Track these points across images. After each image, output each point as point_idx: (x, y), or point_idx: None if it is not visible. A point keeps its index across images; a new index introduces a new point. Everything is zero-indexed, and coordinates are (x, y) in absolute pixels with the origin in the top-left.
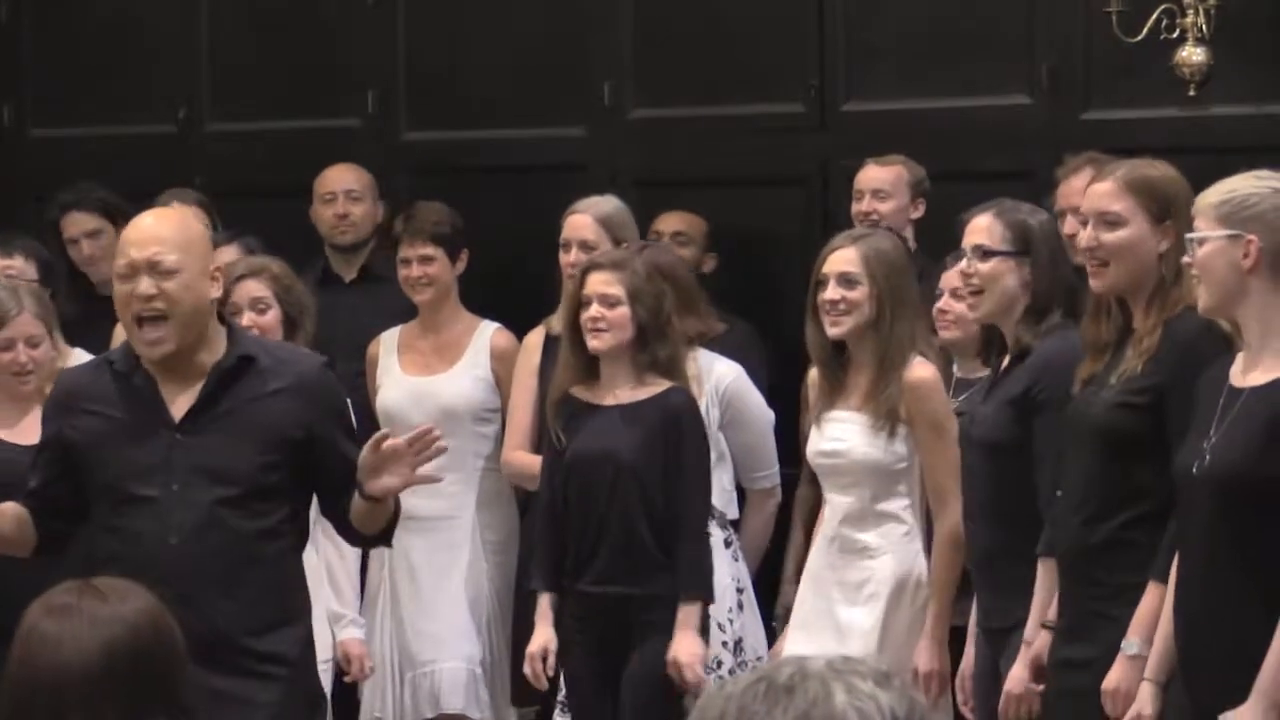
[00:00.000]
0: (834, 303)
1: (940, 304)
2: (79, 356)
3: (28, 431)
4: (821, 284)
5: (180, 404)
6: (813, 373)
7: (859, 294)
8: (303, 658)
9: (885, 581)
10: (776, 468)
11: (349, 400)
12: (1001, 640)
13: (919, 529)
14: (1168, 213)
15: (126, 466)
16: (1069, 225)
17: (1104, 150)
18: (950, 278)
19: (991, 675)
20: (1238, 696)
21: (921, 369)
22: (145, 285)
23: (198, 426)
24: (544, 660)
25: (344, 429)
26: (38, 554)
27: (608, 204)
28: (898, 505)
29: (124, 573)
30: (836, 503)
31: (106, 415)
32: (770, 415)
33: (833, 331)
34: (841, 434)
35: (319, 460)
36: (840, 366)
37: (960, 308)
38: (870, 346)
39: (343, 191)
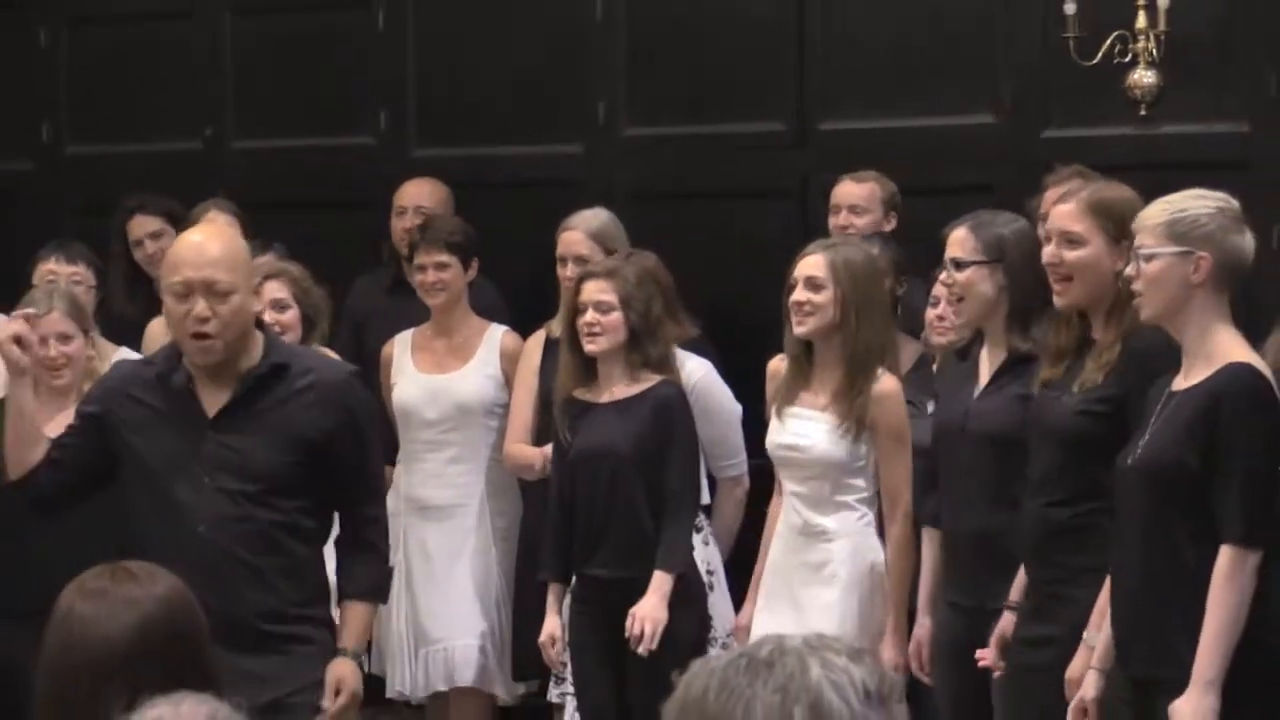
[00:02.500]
0: (800, 304)
1: (938, 310)
2: (125, 355)
3: (62, 427)
4: (792, 287)
5: (214, 403)
6: (773, 365)
7: (823, 297)
8: (320, 639)
9: (843, 563)
10: (744, 457)
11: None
12: (987, 619)
13: (873, 516)
14: (1124, 233)
15: (162, 457)
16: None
17: (1063, 166)
18: (940, 288)
19: (965, 650)
20: (1169, 673)
21: (888, 381)
22: (201, 307)
23: (229, 425)
24: (553, 646)
25: (360, 436)
26: (20, 487)
27: (597, 218)
28: (853, 497)
29: (155, 558)
30: (795, 491)
31: (148, 406)
32: (737, 408)
33: (798, 330)
34: (805, 430)
35: (333, 462)
36: (809, 364)
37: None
38: (837, 348)
39: (413, 207)
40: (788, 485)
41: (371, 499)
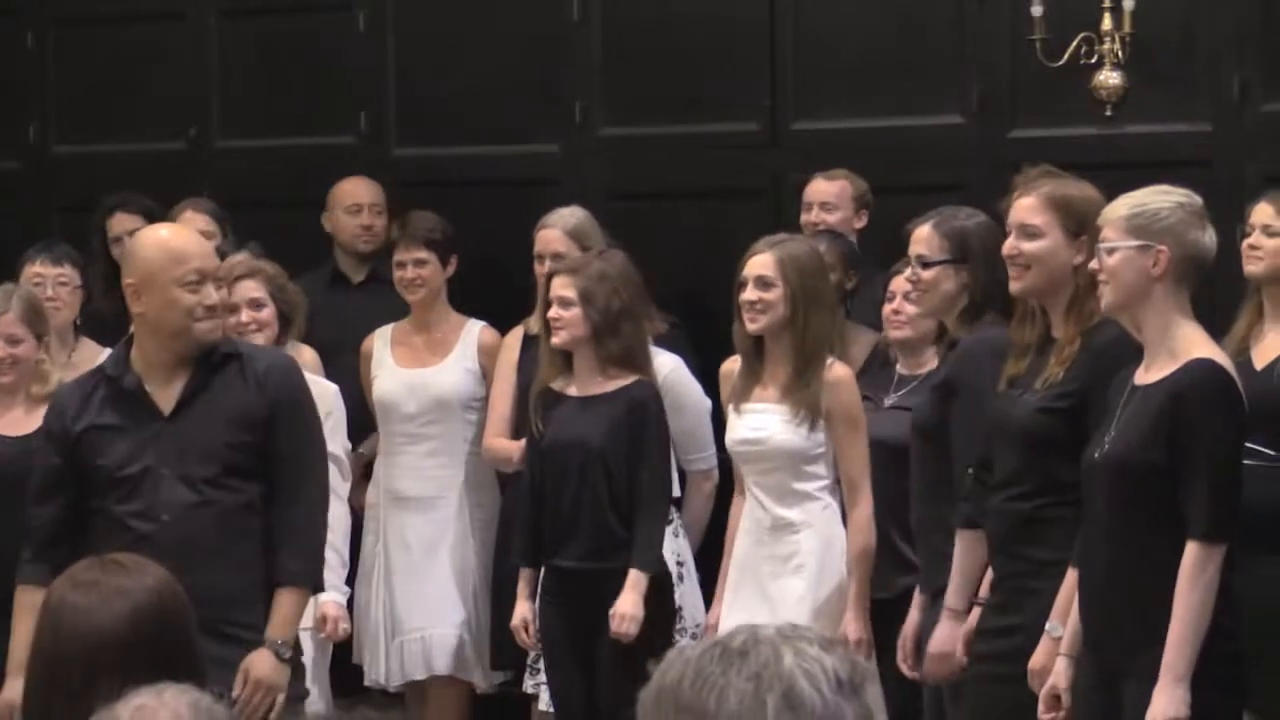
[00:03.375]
0: (751, 303)
1: (894, 305)
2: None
3: (10, 424)
4: (742, 286)
5: (165, 395)
6: (726, 366)
7: (774, 295)
8: None
9: (811, 553)
10: (713, 451)
11: (339, 394)
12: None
13: (835, 505)
14: (1083, 228)
15: (120, 455)
16: None
17: (1030, 165)
18: (900, 282)
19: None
20: (1136, 662)
21: (839, 369)
22: (213, 294)
23: (183, 414)
24: (525, 629)
25: (296, 418)
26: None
27: (573, 216)
28: (813, 486)
29: (124, 549)
30: (758, 485)
31: (100, 414)
32: (707, 403)
33: (751, 328)
34: (761, 423)
35: (274, 442)
36: (759, 360)
37: (911, 310)
38: (788, 342)
39: (369, 205)
40: (750, 480)
41: (304, 484)
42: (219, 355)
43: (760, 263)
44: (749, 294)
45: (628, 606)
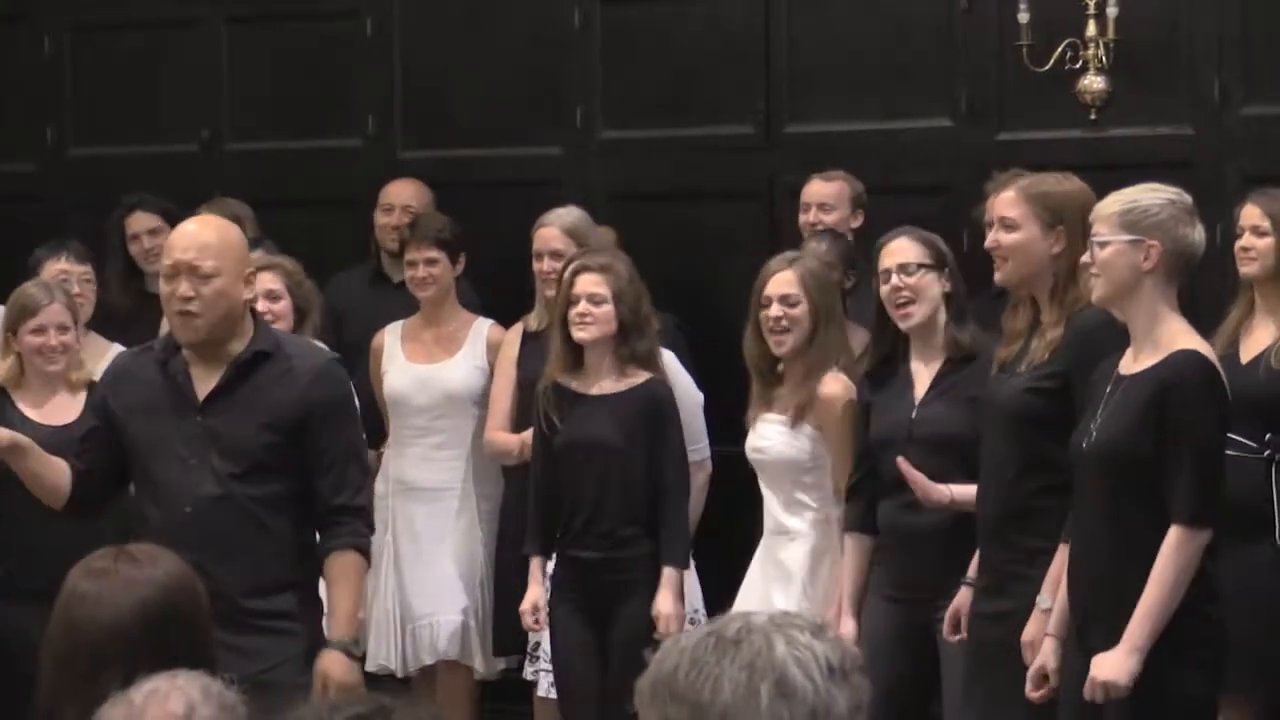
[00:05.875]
0: (778, 319)
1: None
2: (115, 350)
3: (53, 413)
4: (765, 304)
5: (204, 388)
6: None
7: (799, 311)
8: (305, 615)
9: (801, 565)
10: (706, 443)
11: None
12: (930, 608)
13: (832, 517)
14: (1059, 220)
15: (156, 441)
16: None
17: (1018, 167)
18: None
19: (907, 639)
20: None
21: (833, 384)
22: (184, 287)
23: (216, 409)
24: (534, 616)
25: (339, 417)
26: (65, 512)
27: (570, 215)
28: (812, 497)
29: (148, 536)
30: (767, 493)
31: (145, 394)
32: (699, 396)
33: (779, 350)
34: (767, 433)
35: (309, 441)
36: (774, 376)
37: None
38: (802, 358)
39: (400, 205)
40: (763, 487)
41: (343, 485)
42: (250, 352)
43: (784, 280)
44: (774, 311)
45: (669, 606)
